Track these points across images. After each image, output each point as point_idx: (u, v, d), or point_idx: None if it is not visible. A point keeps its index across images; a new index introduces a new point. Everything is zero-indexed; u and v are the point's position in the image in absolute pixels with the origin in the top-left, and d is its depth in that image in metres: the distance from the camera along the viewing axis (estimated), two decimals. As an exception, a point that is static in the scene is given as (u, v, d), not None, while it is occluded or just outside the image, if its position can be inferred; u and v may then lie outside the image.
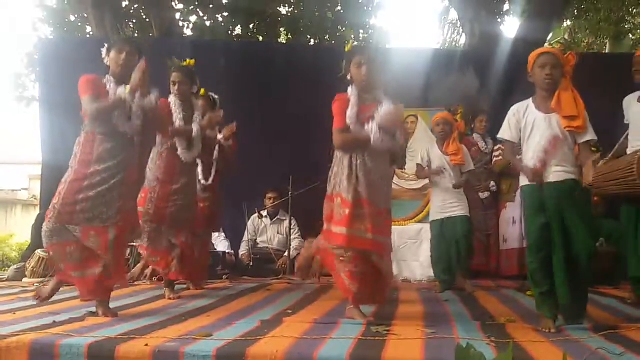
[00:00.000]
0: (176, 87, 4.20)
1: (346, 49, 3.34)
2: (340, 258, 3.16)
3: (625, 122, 4.05)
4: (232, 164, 5.11)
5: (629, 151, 3.89)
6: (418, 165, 5.00)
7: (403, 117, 3.34)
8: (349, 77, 3.31)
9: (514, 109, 3.16)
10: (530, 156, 3.05)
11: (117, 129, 3.28)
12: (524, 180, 3.07)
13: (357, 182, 3.16)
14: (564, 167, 2.97)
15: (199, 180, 4.80)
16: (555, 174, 2.95)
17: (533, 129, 3.05)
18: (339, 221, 3.14)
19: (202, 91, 4.71)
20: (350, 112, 3.20)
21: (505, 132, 3.16)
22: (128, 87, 3.28)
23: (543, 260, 2.94)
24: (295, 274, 4.87)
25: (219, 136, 4.81)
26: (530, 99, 3.13)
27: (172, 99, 4.22)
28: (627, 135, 3.98)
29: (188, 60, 4.29)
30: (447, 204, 4.77)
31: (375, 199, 3.17)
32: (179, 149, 4.18)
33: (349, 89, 3.29)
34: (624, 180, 3.63)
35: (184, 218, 4.21)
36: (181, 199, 4.20)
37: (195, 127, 4.19)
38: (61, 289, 4.34)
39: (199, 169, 4.79)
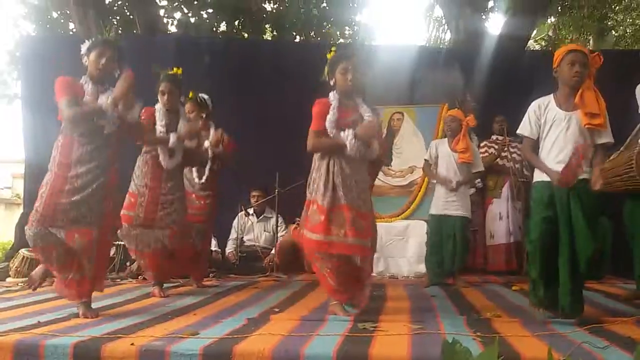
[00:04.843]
0: (165, 97, 4.16)
1: (329, 55, 3.32)
2: (322, 259, 3.18)
3: None
4: (228, 164, 5.12)
5: None
6: (425, 161, 5.04)
7: (380, 126, 3.35)
8: (332, 82, 3.31)
9: (534, 105, 3.14)
10: (545, 154, 3.05)
11: (96, 130, 3.24)
12: (537, 177, 3.07)
13: (334, 188, 3.17)
14: None
15: (194, 178, 4.89)
16: None
17: (552, 127, 3.04)
18: (314, 227, 3.15)
19: (191, 94, 4.69)
20: (331, 117, 3.21)
21: (525, 128, 3.15)
22: (109, 97, 3.21)
23: (543, 253, 2.93)
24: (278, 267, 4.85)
25: (206, 143, 4.82)
26: (551, 95, 3.12)
27: (158, 107, 4.19)
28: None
29: (176, 69, 4.25)
30: (449, 201, 4.80)
31: (354, 203, 3.17)
32: (161, 157, 4.17)
33: (331, 94, 3.30)
34: (626, 175, 3.64)
35: (173, 220, 4.20)
36: (170, 202, 4.21)
37: (172, 137, 4.14)
38: (46, 289, 4.31)
39: (194, 169, 4.86)
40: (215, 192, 5.04)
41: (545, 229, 2.95)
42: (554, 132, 3.03)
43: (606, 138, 3.03)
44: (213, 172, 4.97)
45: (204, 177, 4.90)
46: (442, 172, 4.89)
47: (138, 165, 4.27)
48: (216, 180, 5.04)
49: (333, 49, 3.39)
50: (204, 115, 4.87)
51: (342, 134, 3.18)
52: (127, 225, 4.16)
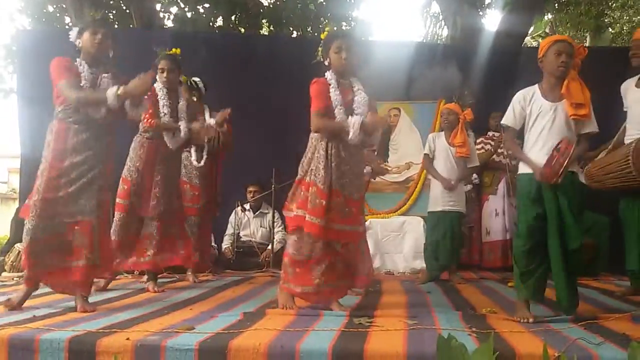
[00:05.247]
0: (164, 74, 4.18)
1: (322, 35, 3.31)
2: (301, 243, 3.19)
3: (625, 109, 3.96)
4: (228, 148, 5.12)
5: (626, 140, 3.82)
6: (426, 155, 5.01)
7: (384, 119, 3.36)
8: (326, 62, 3.29)
9: (519, 95, 3.12)
10: (530, 146, 3.04)
11: (91, 117, 3.21)
12: (522, 169, 3.06)
13: (331, 172, 3.16)
14: None
15: (193, 161, 4.91)
16: None
17: (538, 118, 3.02)
18: (314, 210, 3.12)
19: (184, 78, 4.69)
20: (334, 96, 3.19)
21: (509, 119, 3.12)
22: (119, 89, 3.15)
23: (531, 247, 2.93)
24: None
25: (212, 122, 4.77)
26: (536, 85, 3.09)
27: (158, 86, 4.19)
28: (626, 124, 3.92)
29: (174, 49, 4.28)
30: (446, 197, 4.79)
31: (345, 189, 3.18)
32: (165, 137, 4.15)
33: (327, 74, 3.27)
34: (621, 172, 3.64)
35: (165, 209, 4.19)
36: (162, 190, 4.17)
37: (182, 126, 4.17)
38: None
39: (192, 151, 4.87)
40: (213, 184, 5.05)
41: (534, 226, 2.93)
42: (540, 123, 3.01)
43: (590, 128, 3.01)
44: (212, 157, 4.96)
45: (202, 161, 4.90)
46: (439, 166, 4.87)
47: (133, 146, 4.22)
48: (214, 170, 5.04)
49: (327, 28, 3.38)
50: (196, 99, 4.88)
51: (349, 119, 3.15)
52: (122, 214, 4.15)
